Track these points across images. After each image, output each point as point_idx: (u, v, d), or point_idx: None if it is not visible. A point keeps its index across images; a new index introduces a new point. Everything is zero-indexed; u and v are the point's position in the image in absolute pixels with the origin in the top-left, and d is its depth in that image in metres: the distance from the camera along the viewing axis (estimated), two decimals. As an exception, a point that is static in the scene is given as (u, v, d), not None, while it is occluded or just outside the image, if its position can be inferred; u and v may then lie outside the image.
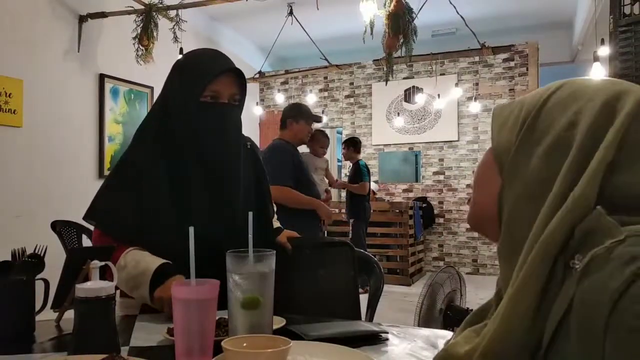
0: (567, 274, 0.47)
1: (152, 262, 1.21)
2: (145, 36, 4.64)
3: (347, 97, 7.85)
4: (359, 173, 5.42)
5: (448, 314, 3.21)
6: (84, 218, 1.31)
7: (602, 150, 0.49)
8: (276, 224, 1.54)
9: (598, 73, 4.51)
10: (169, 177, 1.29)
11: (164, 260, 1.21)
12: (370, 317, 1.48)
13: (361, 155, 5.83)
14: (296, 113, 3.32)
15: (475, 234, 6.98)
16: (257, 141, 8.20)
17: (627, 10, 2.76)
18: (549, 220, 0.49)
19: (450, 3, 4.12)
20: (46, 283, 1.13)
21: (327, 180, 4.25)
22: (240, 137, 1.39)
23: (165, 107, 1.33)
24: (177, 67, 1.36)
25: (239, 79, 1.33)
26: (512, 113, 0.61)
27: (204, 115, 1.27)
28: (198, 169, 1.29)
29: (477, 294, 4.99)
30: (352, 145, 5.67)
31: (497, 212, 0.59)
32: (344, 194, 6.41)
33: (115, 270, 0.97)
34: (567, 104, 0.56)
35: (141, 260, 1.22)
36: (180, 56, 5.20)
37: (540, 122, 0.57)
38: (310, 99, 7.09)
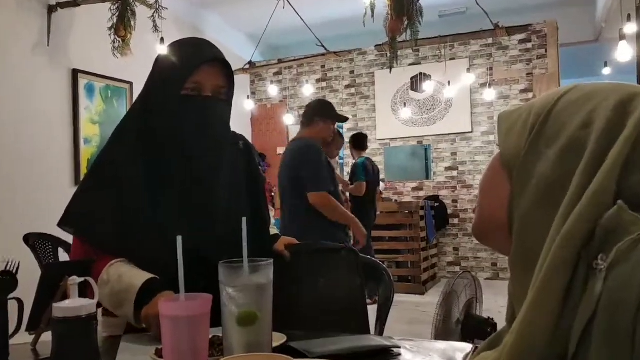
0: (590, 275, 0.48)
1: (137, 276, 1.21)
2: (121, 26, 4.63)
3: (348, 87, 7.86)
4: (354, 172, 5.50)
5: (467, 324, 3.21)
6: (59, 225, 1.32)
7: (617, 148, 0.51)
8: (273, 230, 1.54)
9: (625, 53, 4.51)
10: (150, 177, 1.29)
11: (151, 275, 1.21)
12: (380, 331, 1.48)
13: (367, 152, 5.87)
14: (326, 111, 3.39)
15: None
16: (248, 139, 8.18)
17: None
18: (565, 223, 0.51)
19: (459, -20, 4.12)
20: (20, 303, 1.13)
21: (340, 186, 4.21)
22: (227, 133, 1.39)
23: (146, 103, 1.34)
24: (158, 60, 1.37)
25: (225, 70, 1.32)
26: (520, 117, 0.63)
27: (185, 109, 1.27)
28: (180, 169, 1.30)
29: (497, 301, 4.99)
30: (352, 142, 5.70)
31: (507, 220, 0.60)
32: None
33: (96, 287, 0.97)
34: (579, 105, 0.58)
35: (125, 275, 1.22)
36: (161, 47, 5.19)
37: (550, 125, 0.59)
38: (307, 91, 7.09)
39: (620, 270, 0.44)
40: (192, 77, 1.27)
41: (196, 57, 1.29)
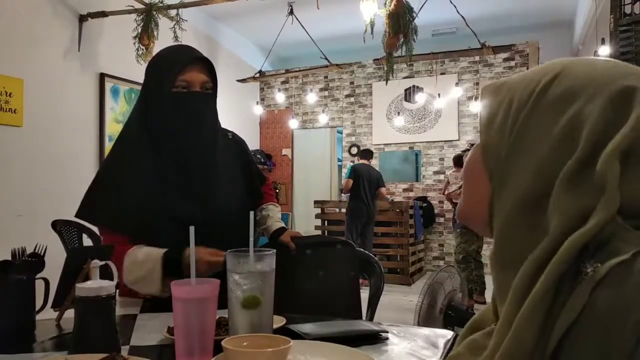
0: (577, 279, 0.44)
1: (157, 251, 1.24)
2: (145, 35, 4.64)
3: (348, 96, 7.85)
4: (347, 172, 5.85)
5: (449, 314, 3.21)
6: (77, 216, 1.34)
7: (606, 163, 0.44)
8: (281, 223, 1.55)
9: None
10: (155, 167, 1.32)
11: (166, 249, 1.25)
12: (370, 317, 1.47)
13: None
14: None
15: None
16: (257, 141, 8.20)
17: (627, 9, 2.76)
18: (558, 237, 0.45)
19: (451, 2, 4.12)
20: (46, 282, 1.13)
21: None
22: (216, 122, 1.42)
23: (144, 104, 1.37)
24: (149, 66, 1.40)
25: (208, 67, 1.35)
26: (502, 104, 0.54)
27: (178, 104, 1.31)
28: (180, 156, 1.33)
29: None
30: (358, 153, 5.92)
31: (487, 217, 0.55)
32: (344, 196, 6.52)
33: (116, 270, 0.97)
34: (564, 103, 0.49)
35: (146, 252, 1.25)
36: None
37: (533, 124, 0.51)
38: (311, 99, 7.09)
39: (615, 291, 0.40)
40: (181, 77, 1.30)
41: (182, 57, 1.33)
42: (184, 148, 1.33)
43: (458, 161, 5.16)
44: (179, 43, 4.57)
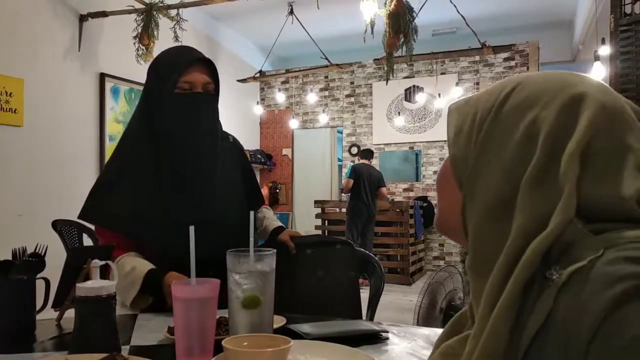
0: (544, 285, 0.45)
1: (142, 266, 1.25)
2: (145, 35, 4.64)
3: (348, 96, 7.85)
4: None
5: (450, 314, 3.21)
6: (80, 217, 1.35)
7: (565, 164, 0.47)
8: (278, 223, 1.55)
9: (599, 73, 4.51)
10: (156, 168, 1.33)
11: (151, 266, 1.25)
12: (370, 317, 1.47)
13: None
14: None
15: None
16: (257, 141, 8.20)
17: (627, 9, 2.76)
18: (521, 242, 0.47)
19: (451, 2, 4.12)
20: (47, 282, 1.13)
21: None
22: (217, 124, 1.42)
23: (147, 106, 1.38)
24: (151, 67, 1.40)
25: (210, 68, 1.36)
26: (468, 117, 0.57)
27: (180, 105, 1.31)
28: (182, 157, 1.33)
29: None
30: (358, 153, 5.88)
31: (461, 226, 0.56)
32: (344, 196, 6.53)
33: (116, 270, 0.97)
34: (523, 111, 0.52)
35: (131, 264, 1.25)
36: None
37: (496, 131, 0.53)
38: (311, 99, 7.09)
39: (575, 295, 0.42)
40: (183, 78, 1.31)
41: (185, 59, 1.33)
42: (186, 149, 1.33)
43: None
44: (180, 44, 4.57)
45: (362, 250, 1.69)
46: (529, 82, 0.55)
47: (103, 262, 0.95)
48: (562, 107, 0.50)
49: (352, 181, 5.63)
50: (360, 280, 1.60)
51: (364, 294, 1.50)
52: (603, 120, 0.49)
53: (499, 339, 0.47)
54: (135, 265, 1.24)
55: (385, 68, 4.07)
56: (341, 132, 7.97)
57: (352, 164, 6.14)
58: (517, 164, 0.50)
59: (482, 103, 0.56)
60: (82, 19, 4.74)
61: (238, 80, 6.96)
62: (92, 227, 2.96)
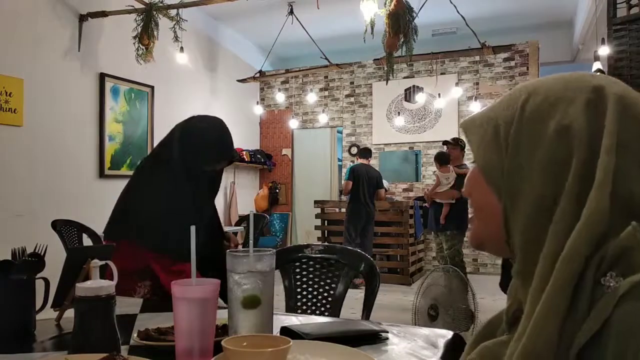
0: (597, 291, 0.45)
1: None
2: (145, 35, 4.64)
3: (348, 96, 7.85)
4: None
5: (449, 313, 3.21)
6: (110, 237, 1.56)
7: (604, 156, 0.48)
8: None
9: (599, 72, 4.51)
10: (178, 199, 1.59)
11: None
12: (366, 318, 1.47)
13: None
14: None
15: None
16: (257, 141, 8.20)
17: (623, 11, 2.74)
18: (562, 237, 0.48)
19: (451, 2, 4.12)
20: (46, 282, 1.13)
21: None
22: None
23: (177, 159, 1.59)
24: (197, 138, 1.60)
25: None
26: (487, 130, 0.58)
27: (203, 178, 1.64)
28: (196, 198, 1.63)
29: (478, 292, 4.98)
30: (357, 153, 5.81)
31: (503, 234, 0.57)
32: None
33: (116, 270, 0.97)
34: (547, 111, 0.54)
35: None
36: (180, 55, 5.19)
37: (524, 136, 0.54)
38: (311, 98, 7.09)
39: (631, 309, 0.42)
40: (215, 167, 1.65)
41: (223, 157, 1.65)
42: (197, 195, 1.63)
43: (442, 159, 4.97)
44: (180, 44, 4.56)
45: (349, 248, 1.68)
46: (541, 86, 0.56)
47: (103, 262, 0.95)
48: (587, 101, 0.52)
49: (350, 183, 5.59)
50: (359, 281, 1.60)
51: (360, 294, 1.47)
52: (626, 109, 0.51)
53: (547, 340, 0.46)
54: None
55: (385, 68, 4.07)
56: (341, 132, 7.97)
57: (351, 164, 6.09)
58: (554, 157, 0.51)
59: (501, 115, 0.57)
60: (82, 18, 4.74)
61: (238, 80, 6.96)
62: (92, 228, 2.94)
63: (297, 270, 1.66)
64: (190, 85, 6.31)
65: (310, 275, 1.64)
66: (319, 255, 1.64)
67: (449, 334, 1.05)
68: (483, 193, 0.59)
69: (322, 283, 1.62)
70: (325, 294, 1.61)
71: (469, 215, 0.63)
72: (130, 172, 5.05)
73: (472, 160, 0.61)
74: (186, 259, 1.30)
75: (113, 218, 1.61)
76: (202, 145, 1.59)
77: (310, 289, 1.63)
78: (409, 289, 5.76)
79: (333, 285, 1.60)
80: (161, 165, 1.62)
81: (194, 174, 1.60)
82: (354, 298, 3.09)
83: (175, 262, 1.50)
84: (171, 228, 1.50)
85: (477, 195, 0.61)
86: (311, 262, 1.65)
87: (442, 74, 7.00)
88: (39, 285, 1.10)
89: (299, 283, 1.64)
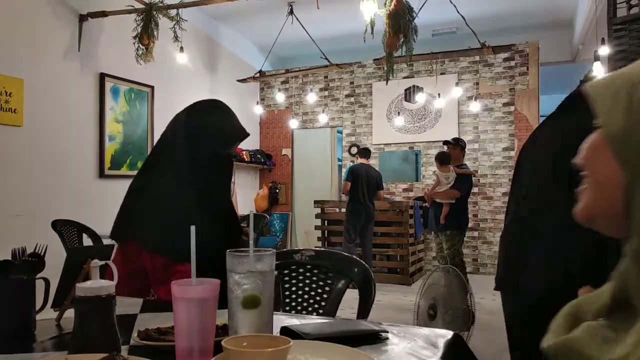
0: None
1: None
2: (145, 35, 4.64)
3: (348, 96, 7.85)
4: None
5: (449, 313, 3.21)
6: (119, 238, 1.53)
7: None
8: None
9: (599, 73, 4.51)
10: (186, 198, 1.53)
11: None
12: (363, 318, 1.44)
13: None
14: None
15: (475, 234, 6.98)
16: (257, 141, 8.20)
17: (623, 11, 2.74)
18: None
19: (451, 2, 4.12)
20: (46, 282, 1.13)
21: None
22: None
23: (187, 151, 1.53)
24: (204, 126, 1.54)
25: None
26: (620, 91, 0.52)
27: (217, 165, 1.57)
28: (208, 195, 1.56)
29: (477, 292, 4.97)
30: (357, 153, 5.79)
31: (621, 207, 0.51)
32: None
33: (116, 270, 0.97)
34: None
35: None
36: (180, 55, 5.19)
37: None
38: (311, 98, 7.09)
39: None
40: (227, 150, 1.59)
41: (234, 136, 1.60)
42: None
43: (442, 159, 4.93)
44: (180, 44, 4.56)
45: (340, 252, 1.64)
46: None
47: (103, 262, 0.95)
48: None
49: (349, 184, 5.58)
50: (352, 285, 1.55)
51: (355, 299, 1.43)
52: None
53: None
54: None
55: (385, 68, 4.07)
56: (341, 132, 7.97)
57: (351, 164, 6.09)
58: None
59: (635, 77, 0.52)
60: (82, 18, 4.74)
61: (238, 80, 6.96)
62: (92, 227, 2.95)
63: (286, 278, 1.57)
64: (190, 85, 6.31)
65: (300, 284, 1.56)
66: (310, 263, 1.56)
67: (449, 334, 1.04)
68: (604, 163, 0.53)
69: (312, 293, 1.54)
70: (316, 306, 1.52)
71: (582, 187, 0.55)
72: (130, 172, 5.08)
73: (596, 124, 0.55)
74: (187, 259, 1.30)
75: (119, 218, 1.58)
76: (217, 127, 1.54)
77: (299, 299, 1.55)
78: (409, 289, 5.76)
79: (325, 296, 1.52)
80: (165, 162, 1.57)
81: (201, 165, 1.53)
82: (354, 298, 3.09)
83: (176, 263, 1.47)
84: (174, 228, 1.47)
85: (596, 165, 0.55)
86: (301, 270, 1.57)
87: (442, 74, 7.00)
88: (39, 285, 1.10)
89: (287, 293, 1.56)
